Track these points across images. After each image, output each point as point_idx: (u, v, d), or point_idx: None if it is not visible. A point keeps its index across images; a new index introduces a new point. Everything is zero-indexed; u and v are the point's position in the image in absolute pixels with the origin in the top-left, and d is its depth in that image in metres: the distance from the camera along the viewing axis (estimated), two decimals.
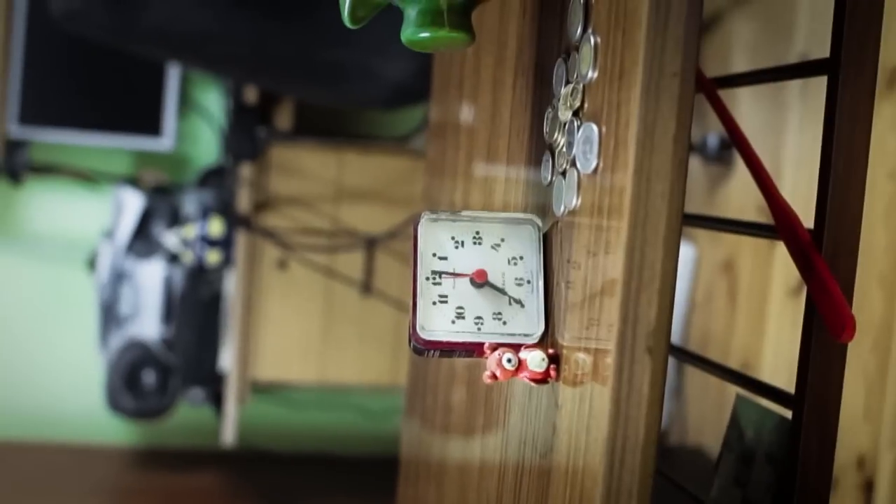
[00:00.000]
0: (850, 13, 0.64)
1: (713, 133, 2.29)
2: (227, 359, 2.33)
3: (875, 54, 0.66)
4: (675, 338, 2.38)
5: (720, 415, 2.20)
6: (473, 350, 0.65)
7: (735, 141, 0.76)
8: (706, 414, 2.31)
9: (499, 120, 0.83)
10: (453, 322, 0.65)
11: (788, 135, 2.03)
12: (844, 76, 0.64)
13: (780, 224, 0.69)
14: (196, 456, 2.59)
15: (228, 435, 2.35)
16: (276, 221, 2.30)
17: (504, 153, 0.81)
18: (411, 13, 0.64)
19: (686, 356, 0.88)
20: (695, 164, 2.38)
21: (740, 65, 2.28)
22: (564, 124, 0.63)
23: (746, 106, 2.19)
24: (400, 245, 2.31)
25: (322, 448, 2.71)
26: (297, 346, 2.38)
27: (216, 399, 2.40)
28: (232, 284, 2.32)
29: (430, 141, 1.19)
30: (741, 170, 2.17)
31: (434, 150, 1.14)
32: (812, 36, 1.99)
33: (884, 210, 1.66)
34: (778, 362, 2.03)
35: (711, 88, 0.79)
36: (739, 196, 2.20)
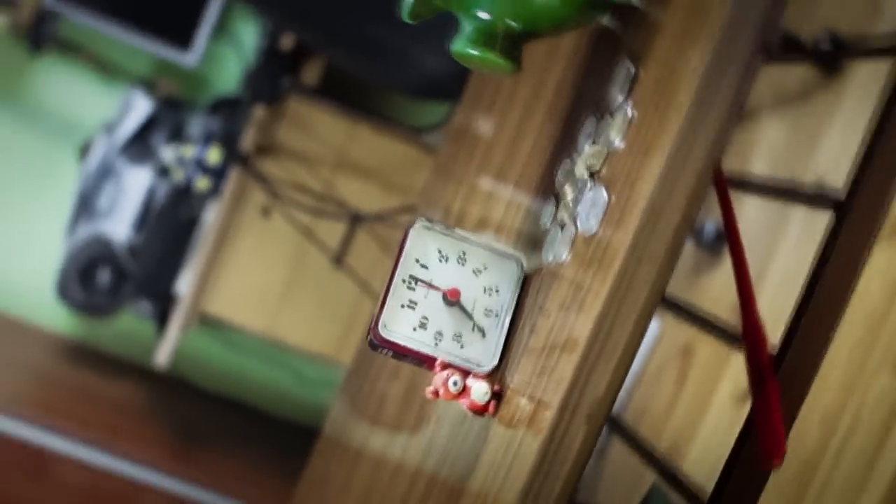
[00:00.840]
0: (875, 165, 0.65)
1: (712, 221, 2.31)
2: (185, 283, 2.34)
3: (886, 207, 0.68)
4: (616, 403, 2.39)
5: (635, 485, 2.22)
6: (425, 362, 0.66)
7: (730, 243, 0.77)
8: (621, 480, 2.33)
9: (518, 149, 0.84)
10: (415, 329, 0.66)
11: (784, 245, 2.05)
12: (851, 222, 0.66)
13: (747, 338, 0.71)
14: (125, 367, 2.59)
15: (163, 356, 2.35)
16: (273, 170, 2.31)
17: (513, 181, 0.82)
18: (467, 27, 0.64)
19: (619, 430, 0.90)
20: (686, 245, 2.40)
21: (759, 164, 2.30)
22: (578, 180, 0.64)
23: (752, 203, 2.21)
24: (383, 230, 2.32)
25: (246, 397, 2.71)
26: (255, 292, 2.38)
27: (161, 318, 2.40)
28: (212, 215, 2.32)
29: (446, 142, 1.21)
30: (728, 266, 2.19)
31: (447, 152, 1.15)
32: (833, 162, 2.01)
33: (847, 351, 1.68)
34: (705, 457, 2.05)
35: (724, 187, 0.80)
36: (719, 290, 2.22)
